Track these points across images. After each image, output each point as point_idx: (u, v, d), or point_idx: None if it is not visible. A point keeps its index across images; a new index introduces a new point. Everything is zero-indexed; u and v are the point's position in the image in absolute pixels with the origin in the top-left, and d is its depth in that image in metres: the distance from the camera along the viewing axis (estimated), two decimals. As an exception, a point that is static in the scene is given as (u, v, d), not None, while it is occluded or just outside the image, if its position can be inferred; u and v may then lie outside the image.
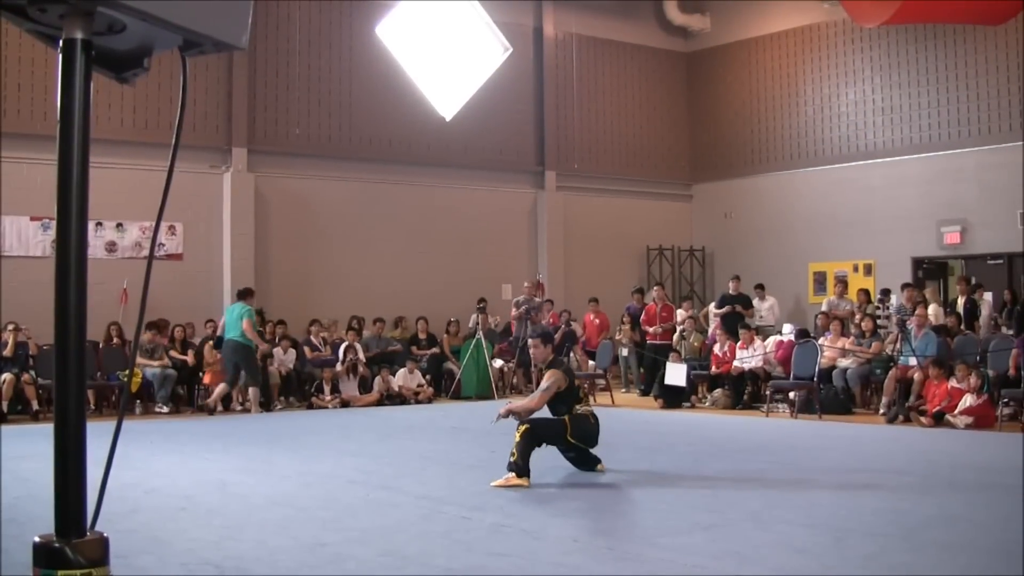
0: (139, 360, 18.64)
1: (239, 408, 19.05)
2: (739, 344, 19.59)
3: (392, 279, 23.70)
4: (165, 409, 18.30)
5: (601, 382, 21.66)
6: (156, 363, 18.76)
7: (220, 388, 18.71)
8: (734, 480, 10.44)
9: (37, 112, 19.90)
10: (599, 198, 27.26)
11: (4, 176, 19.02)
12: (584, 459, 10.81)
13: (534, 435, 10.20)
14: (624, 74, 28.08)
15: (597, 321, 23.65)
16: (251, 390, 18.89)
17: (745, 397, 18.97)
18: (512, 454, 10.03)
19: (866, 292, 21.50)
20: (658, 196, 28.21)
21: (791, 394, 17.94)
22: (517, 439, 10.08)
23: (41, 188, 19.33)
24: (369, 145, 24.00)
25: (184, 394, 19.60)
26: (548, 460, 10.41)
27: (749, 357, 19.21)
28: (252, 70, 22.52)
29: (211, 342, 19.63)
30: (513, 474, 9.94)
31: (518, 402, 10.82)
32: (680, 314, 22.82)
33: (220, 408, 18.61)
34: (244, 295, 19.14)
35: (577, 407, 10.56)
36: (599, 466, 10.79)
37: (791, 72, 26.53)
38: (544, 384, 10.50)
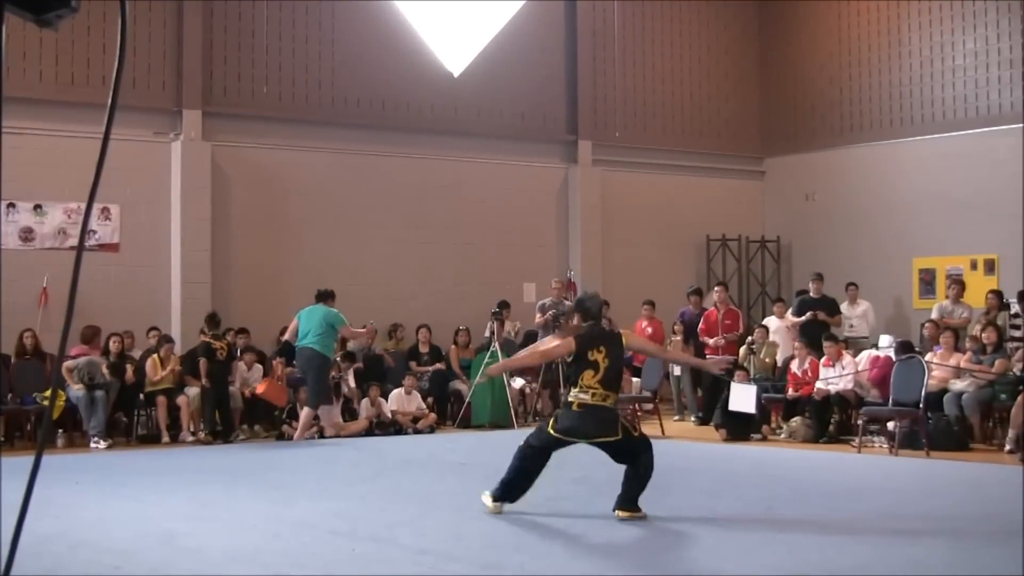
0: (69, 379, 18.67)
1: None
2: (823, 360, 19.53)
3: (386, 276, 23.69)
4: (101, 444, 18.29)
5: (648, 406, 21.64)
6: (78, 386, 18.75)
7: (306, 413, 19.32)
8: (817, 531, 10.40)
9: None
10: (646, 175, 27.22)
11: None
12: (628, 474, 10.97)
13: (526, 452, 10.92)
14: (679, 19, 28.02)
15: (650, 330, 23.59)
16: (305, 410, 19.40)
17: (831, 427, 18.90)
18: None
19: (997, 295, 21.30)
20: (721, 173, 28.16)
21: (890, 424, 17.85)
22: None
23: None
24: (356, 107, 24.02)
25: (124, 421, 19.70)
26: (584, 497, 10.39)
27: (836, 377, 19.14)
28: (208, 12, 22.55)
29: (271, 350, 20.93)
30: (494, 498, 10.97)
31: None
32: (773, 322, 22.72)
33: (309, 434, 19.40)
34: (326, 297, 19.80)
35: (572, 390, 10.90)
36: (617, 511, 10.80)
37: (891, 16, 26.42)
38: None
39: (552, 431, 10.82)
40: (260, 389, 19.82)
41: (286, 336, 20.31)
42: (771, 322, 22.96)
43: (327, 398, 19.68)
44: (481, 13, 25.15)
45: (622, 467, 10.93)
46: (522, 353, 11.31)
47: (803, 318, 22.16)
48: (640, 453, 10.85)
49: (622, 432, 10.81)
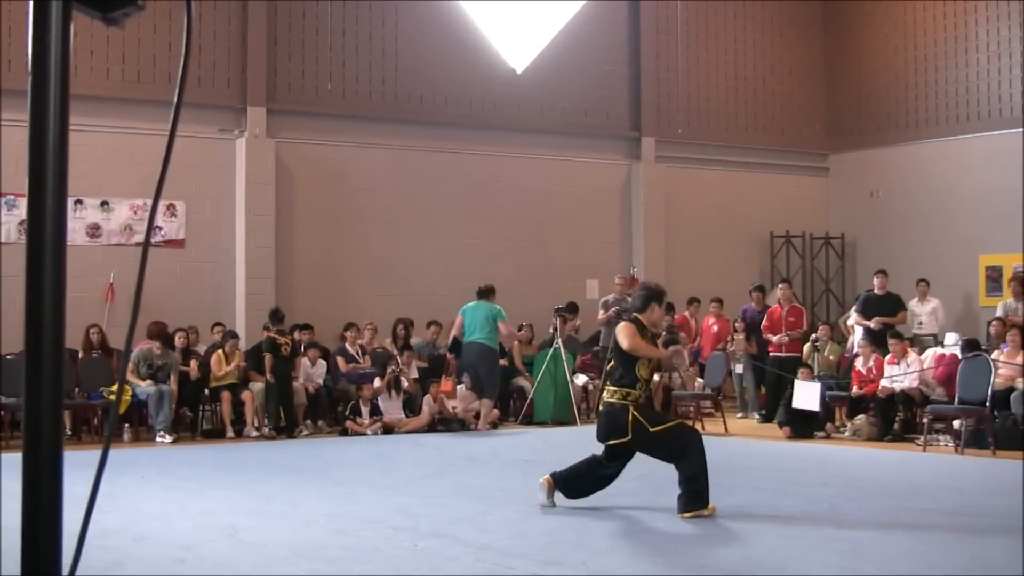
0: (133, 379, 18.78)
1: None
2: (888, 358, 19.38)
3: (448, 272, 23.70)
4: (167, 439, 18.43)
5: (707, 404, 21.54)
6: (147, 382, 18.84)
7: (486, 405, 20.17)
8: (881, 530, 10.34)
9: (1, 61, 20.11)
10: (709, 171, 27.13)
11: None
12: (680, 476, 11.05)
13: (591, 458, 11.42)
14: (743, 15, 27.91)
15: (716, 327, 23.50)
16: (484, 403, 20.26)
17: (895, 425, 18.78)
18: None
19: None
20: (785, 169, 28.03)
21: (955, 423, 17.72)
22: None
23: (6, 156, 19.45)
24: (419, 104, 24.06)
25: (189, 416, 19.84)
26: (647, 493, 10.36)
27: (901, 375, 18.99)
28: (273, 9, 22.65)
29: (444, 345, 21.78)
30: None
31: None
32: (854, 322, 22.41)
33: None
34: (488, 293, 20.65)
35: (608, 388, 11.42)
36: (681, 514, 10.82)
37: (958, 11, 26.20)
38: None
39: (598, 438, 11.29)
40: (446, 388, 20.51)
41: (453, 332, 20.86)
42: (853, 318, 22.69)
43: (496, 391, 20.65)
44: (544, 10, 25.11)
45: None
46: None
47: (871, 324, 21.85)
48: (680, 454, 10.94)
49: (633, 432, 10.88)
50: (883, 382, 19.07)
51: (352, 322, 21.54)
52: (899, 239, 26.63)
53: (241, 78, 22.32)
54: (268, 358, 19.73)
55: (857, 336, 21.93)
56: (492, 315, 20.25)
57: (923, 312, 22.77)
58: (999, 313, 21.39)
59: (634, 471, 12.09)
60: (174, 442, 18.40)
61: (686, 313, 24.27)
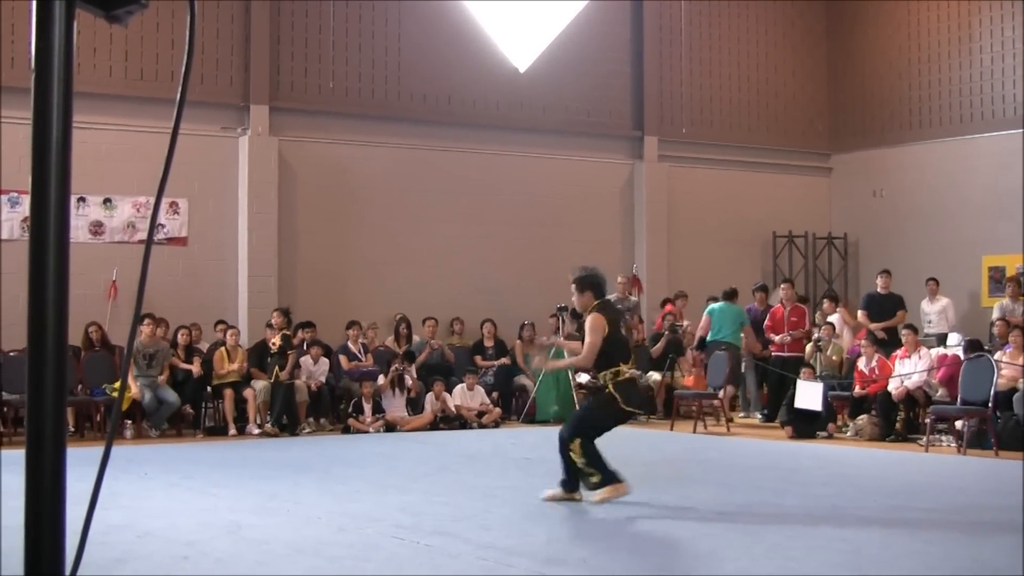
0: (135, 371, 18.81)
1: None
2: (900, 352, 19.31)
3: (451, 270, 23.71)
4: (153, 433, 18.45)
5: (709, 404, 21.54)
6: (146, 376, 18.83)
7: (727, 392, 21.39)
8: (883, 530, 10.32)
9: (3, 58, 20.11)
10: (712, 171, 27.13)
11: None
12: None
13: (590, 439, 11.20)
14: (746, 15, 27.90)
15: (712, 325, 23.56)
16: (728, 388, 21.63)
17: (898, 426, 18.76)
18: (586, 472, 11.08)
19: None
20: (788, 169, 28.02)
21: (958, 423, 17.71)
22: (576, 457, 11.11)
23: (8, 153, 19.46)
24: (422, 103, 24.07)
25: (191, 413, 19.85)
26: (647, 491, 10.34)
27: (912, 372, 18.89)
28: (275, 8, 22.65)
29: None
30: (607, 487, 10.98)
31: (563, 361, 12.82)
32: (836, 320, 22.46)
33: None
34: (733, 295, 22.25)
35: (624, 368, 11.33)
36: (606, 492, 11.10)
37: (961, 11, 26.19)
38: (588, 329, 11.57)
39: (629, 407, 11.25)
40: (689, 382, 21.63)
41: (700, 332, 22.20)
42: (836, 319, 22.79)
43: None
44: (547, 9, 25.12)
45: (686, 462, 11.00)
46: (578, 358, 11.75)
47: (875, 326, 21.84)
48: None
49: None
50: (897, 378, 18.97)
51: (355, 320, 21.52)
52: (902, 239, 26.62)
53: (244, 76, 22.32)
54: (292, 356, 19.80)
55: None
56: (740, 318, 21.90)
57: (932, 311, 22.75)
58: (996, 314, 21.41)
59: (633, 471, 12.09)
60: (160, 436, 18.36)
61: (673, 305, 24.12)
